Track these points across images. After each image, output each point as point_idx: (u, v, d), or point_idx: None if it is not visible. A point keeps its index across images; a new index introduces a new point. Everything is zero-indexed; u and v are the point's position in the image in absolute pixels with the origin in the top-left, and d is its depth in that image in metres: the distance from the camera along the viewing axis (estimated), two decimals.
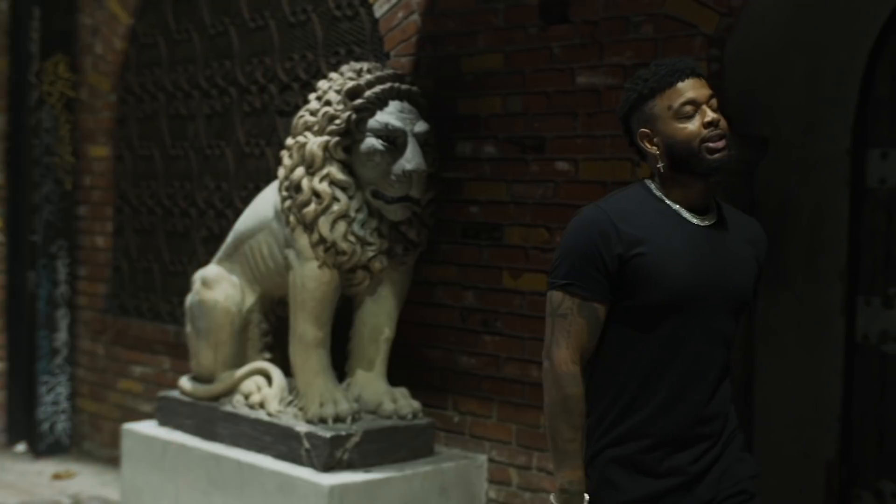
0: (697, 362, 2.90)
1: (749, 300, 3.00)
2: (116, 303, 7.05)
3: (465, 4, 5.13)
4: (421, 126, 4.86)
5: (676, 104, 2.90)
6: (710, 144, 2.89)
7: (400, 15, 5.34)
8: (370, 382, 5.15)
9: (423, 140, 4.86)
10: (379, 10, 5.42)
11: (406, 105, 4.88)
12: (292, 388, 5.20)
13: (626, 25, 4.61)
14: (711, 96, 2.93)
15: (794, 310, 4.84)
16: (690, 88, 2.91)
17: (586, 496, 2.88)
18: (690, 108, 2.90)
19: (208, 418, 5.38)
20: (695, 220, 2.94)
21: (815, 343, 4.81)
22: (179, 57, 6.59)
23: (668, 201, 2.94)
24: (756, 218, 4.46)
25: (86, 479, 6.72)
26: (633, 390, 2.89)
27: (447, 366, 5.26)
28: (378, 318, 5.13)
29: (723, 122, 2.91)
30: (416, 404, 5.11)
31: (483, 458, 5.13)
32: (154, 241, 6.77)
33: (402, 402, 5.09)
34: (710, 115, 2.90)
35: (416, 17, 5.29)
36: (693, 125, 2.90)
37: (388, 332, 5.14)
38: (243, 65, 6.17)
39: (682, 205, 2.94)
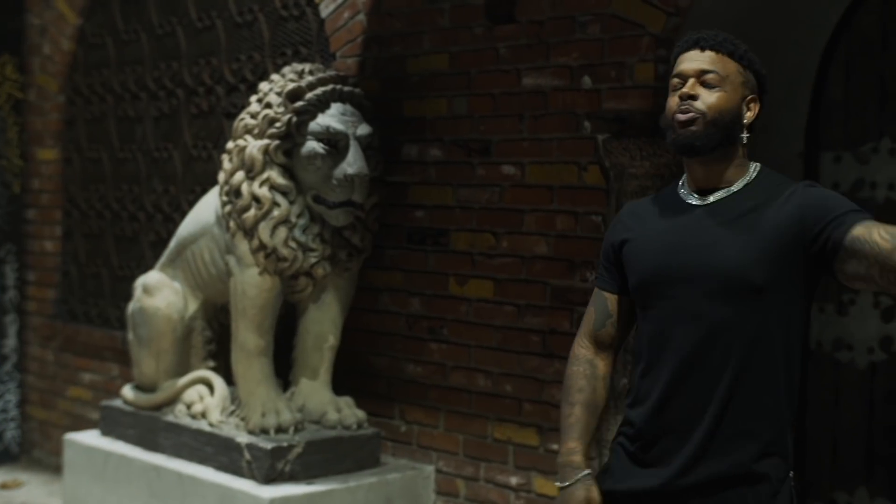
0: (691, 350, 2.72)
1: (750, 276, 2.66)
2: (65, 308, 6.91)
3: (410, 4, 5.01)
4: (363, 129, 4.74)
5: (671, 74, 2.82)
6: (678, 115, 2.75)
7: (346, 15, 5.22)
8: (314, 391, 5.03)
9: (365, 143, 4.74)
10: (325, 11, 5.30)
11: (348, 107, 4.76)
12: (235, 398, 5.07)
13: (572, 25, 4.50)
14: (704, 72, 2.75)
15: None
16: (685, 61, 2.79)
17: (586, 470, 2.81)
18: (677, 80, 2.79)
19: (150, 428, 5.26)
20: (693, 202, 2.80)
21: None
22: (127, 58, 6.46)
23: (681, 184, 2.87)
24: None
25: (33, 488, 6.57)
26: (638, 377, 2.83)
27: (393, 374, 5.14)
28: (322, 325, 5.01)
29: (706, 99, 2.73)
30: (361, 414, 4.99)
31: (430, 468, 5.01)
32: (103, 246, 6.63)
33: (346, 412, 4.97)
34: (688, 88, 2.75)
35: (361, 17, 5.17)
36: (672, 99, 2.78)
37: (332, 339, 5.02)
38: (190, 66, 6.04)
39: (691, 186, 2.83)
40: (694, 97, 2.73)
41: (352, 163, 4.63)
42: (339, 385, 5.14)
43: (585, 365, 2.91)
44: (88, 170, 6.74)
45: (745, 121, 2.79)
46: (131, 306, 5.37)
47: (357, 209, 4.79)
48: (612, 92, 4.37)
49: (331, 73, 4.83)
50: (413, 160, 5.04)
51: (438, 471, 4.99)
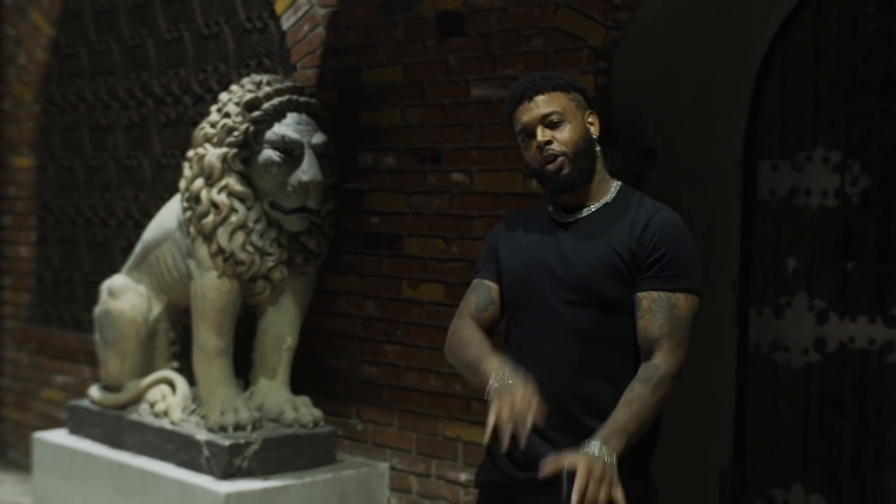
0: (547, 353, 2.98)
1: (597, 288, 2.96)
2: (40, 312, 7.08)
3: (366, 17, 5.18)
4: (318, 138, 4.91)
5: (516, 131, 3.07)
6: (547, 167, 3.00)
7: (306, 28, 5.40)
8: (273, 391, 5.19)
9: (320, 151, 4.90)
10: (286, 23, 5.48)
11: (304, 117, 4.93)
12: (196, 397, 5.23)
13: (517, 38, 4.67)
14: (545, 116, 2.99)
15: None
16: (523, 114, 3.04)
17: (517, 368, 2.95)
18: (524, 135, 3.05)
19: (115, 427, 5.42)
20: (562, 219, 3.07)
21: (709, 352, 4.87)
22: (100, 68, 6.64)
23: (551, 204, 3.14)
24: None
25: (7, 487, 6.73)
26: None
27: (350, 375, 5.30)
28: (280, 327, 5.17)
29: (560, 138, 2.97)
30: (317, 413, 5.16)
31: (385, 465, 5.17)
32: (76, 251, 6.81)
33: (303, 411, 5.13)
34: (540, 136, 2.99)
35: (321, 29, 5.35)
36: (530, 151, 3.04)
37: (290, 340, 5.19)
38: (160, 76, 6.22)
39: (559, 204, 3.11)
40: (549, 142, 2.98)
41: (306, 170, 4.80)
42: (299, 385, 5.31)
43: (475, 329, 3.12)
44: (62, 177, 6.92)
45: (594, 136, 3.07)
46: (97, 309, 5.54)
47: (312, 215, 4.96)
48: None
49: (287, 83, 5.01)
50: (369, 168, 5.21)
51: (392, 468, 5.16)
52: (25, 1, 7.07)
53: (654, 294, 2.92)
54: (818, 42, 4.60)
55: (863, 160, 4.47)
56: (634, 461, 2.95)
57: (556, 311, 2.98)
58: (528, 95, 3.01)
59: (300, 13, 5.41)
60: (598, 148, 3.08)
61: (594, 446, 2.76)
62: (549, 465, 2.74)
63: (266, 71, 5.55)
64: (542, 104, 3.00)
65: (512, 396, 2.80)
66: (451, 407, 4.91)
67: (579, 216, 3.07)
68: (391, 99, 5.11)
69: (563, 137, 2.99)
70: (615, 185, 3.12)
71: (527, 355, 3.02)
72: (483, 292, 3.17)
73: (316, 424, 5.14)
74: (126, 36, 6.45)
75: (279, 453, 4.99)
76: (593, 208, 3.07)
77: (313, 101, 5.01)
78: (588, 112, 3.08)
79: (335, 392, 5.35)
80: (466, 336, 3.12)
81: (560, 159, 2.99)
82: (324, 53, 5.35)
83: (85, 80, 6.73)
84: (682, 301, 2.95)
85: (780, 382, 4.74)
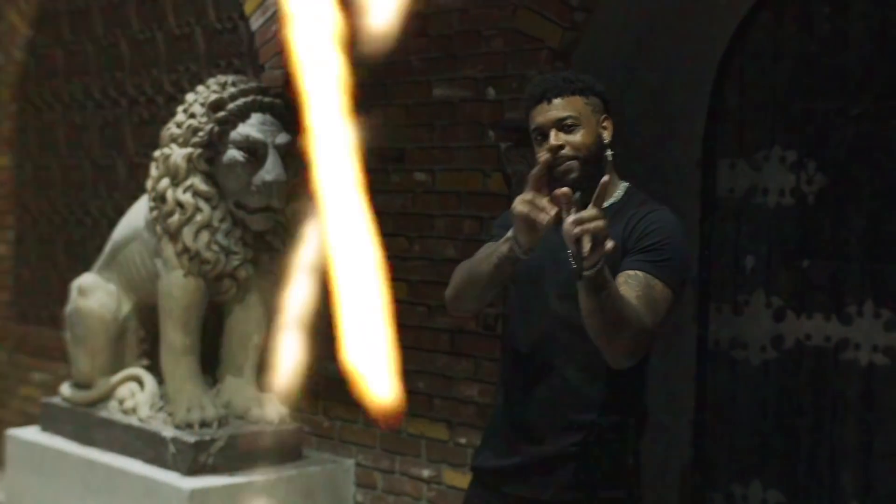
0: (540, 343, 3.03)
1: None
2: (17, 310, 7.14)
3: None
4: (282, 138, 4.96)
5: (531, 129, 3.06)
6: (559, 169, 2.99)
7: (273, 28, 5.45)
8: (240, 388, 5.24)
9: (284, 151, 4.95)
10: (255, 24, 5.53)
11: (268, 117, 4.97)
12: (164, 394, 5.28)
13: (478, 39, 4.72)
14: (560, 120, 2.99)
15: None
16: (539, 114, 3.02)
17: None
18: (537, 134, 3.04)
19: (85, 424, 5.47)
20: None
21: (670, 349, 4.91)
22: (75, 68, 6.70)
23: None
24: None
25: None
26: (506, 364, 3.19)
27: (317, 372, 5.34)
28: (247, 325, 5.22)
29: (572, 142, 2.97)
30: (283, 410, 5.20)
31: (351, 462, 5.23)
32: (53, 250, 6.87)
33: (269, 408, 5.18)
34: (553, 140, 2.98)
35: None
36: (543, 150, 3.01)
37: (256, 338, 5.23)
38: (133, 76, 6.27)
39: None
40: (562, 147, 2.97)
41: (269, 170, 4.85)
42: (268, 382, 5.36)
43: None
44: (39, 176, 6.97)
45: (605, 141, 3.04)
46: (67, 307, 5.59)
47: (277, 214, 5.01)
48: (514, 103, 4.59)
49: (252, 84, 5.05)
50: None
51: (358, 464, 5.21)
52: (3, 1, 7.13)
53: (633, 272, 2.86)
54: (775, 42, 4.65)
55: (818, 159, 4.52)
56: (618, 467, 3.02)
57: (552, 306, 3.01)
58: (546, 98, 3.02)
59: (268, 14, 5.46)
60: (609, 152, 3.06)
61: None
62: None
63: (236, 71, 5.60)
64: (559, 108, 3.00)
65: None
66: (414, 404, 4.96)
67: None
68: (356, 99, 5.15)
69: (575, 142, 2.99)
70: (623, 187, 3.12)
71: (521, 350, 3.08)
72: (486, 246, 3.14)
73: (282, 421, 5.19)
74: (100, 36, 6.51)
75: (245, 450, 5.04)
76: (616, 203, 3.05)
77: (278, 101, 5.06)
78: (603, 116, 3.06)
79: (303, 389, 5.40)
80: (479, 253, 3.10)
81: (569, 163, 3.01)
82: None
83: (61, 79, 6.79)
84: (660, 287, 2.87)
85: (739, 379, 4.79)
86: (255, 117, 4.94)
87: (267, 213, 4.94)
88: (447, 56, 4.82)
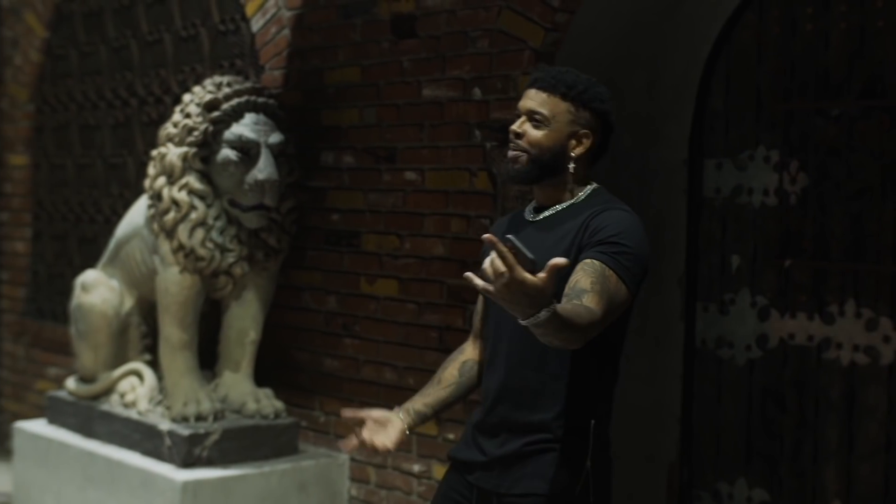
0: (500, 348, 3.12)
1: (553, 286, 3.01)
2: (34, 306, 7.28)
3: (327, 19, 5.32)
4: (275, 137, 5.05)
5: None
6: (509, 154, 3.11)
7: (273, 30, 5.54)
8: (236, 383, 5.34)
9: (277, 151, 5.04)
10: (255, 25, 5.63)
11: (262, 117, 5.07)
12: (163, 388, 5.39)
13: (465, 40, 4.78)
14: (533, 112, 3.06)
15: (637, 315, 4.97)
16: (524, 97, 3.12)
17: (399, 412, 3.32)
18: (517, 114, 3.13)
19: (88, 417, 5.59)
20: (530, 217, 3.18)
21: (657, 348, 4.97)
22: (88, 69, 6.83)
23: (532, 200, 3.23)
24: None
25: (0, 477, 6.93)
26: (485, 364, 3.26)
27: (314, 367, 5.44)
28: (244, 321, 5.32)
29: (531, 137, 3.06)
30: (278, 404, 5.29)
31: (345, 456, 5.31)
32: (67, 247, 7.01)
33: (264, 402, 5.28)
34: (516, 126, 3.09)
35: (286, 31, 5.49)
36: (511, 130, 3.12)
37: (253, 334, 5.33)
38: (142, 77, 6.39)
39: (535, 203, 3.20)
40: (520, 135, 3.07)
41: (262, 169, 4.95)
42: (266, 377, 5.46)
43: (457, 352, 3.39)
44: (55, 175, 7.12)
45: (571, 153, 3.09)
46: (71, 303, 5.72)
47: (271, 212, 5.10)
48: (499, 103, 4.65)
49: (247, 85, 5.15)
50: (330, 166, 5.35)
51: (352, 459, 5.29)
52: (21, 3, 7.29)
53: (590, 261, 2.89)
54: (759, 43, 4.68)
55: (801, 159, 4.55)
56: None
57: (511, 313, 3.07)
58: (536, 85, 3.09)
59: (268, 16, 5.56)
60: (571, 165, 3.10)
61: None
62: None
63: (238, 72, 5.70)
64: (539, 101, 3.07)
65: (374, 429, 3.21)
66: (406, 400, 5.00)
67: (545, 215, 3.15)
68: (350, 99, 5.24)
69: (532, 138, 3.06)
70: (588, 189, 3.16)
71: (492, 352, 3.18)
72: (479, 302, 3.38)
73: (277, 416, 5.28)
74: (112, 38, 6.63)
75: (240, 443, 5.13)
76: (559, 207, 3.13)
77: (272, 101, 5.15)
78: (584, 131, 3.09)
79: (300, 384, 5.49)
80: (444, 364, 3.41)
81: (518, 153, 3.08)
82: (289, 55, 5.49)
83: (75, 80, 6.93)
84: (614, 279, 2.87)
85: (725, 378, 4.82)
86: (249, 117, 5.04)
87: (260, 211, 5.04)
88: (436, 57, 4.89)
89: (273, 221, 5.17)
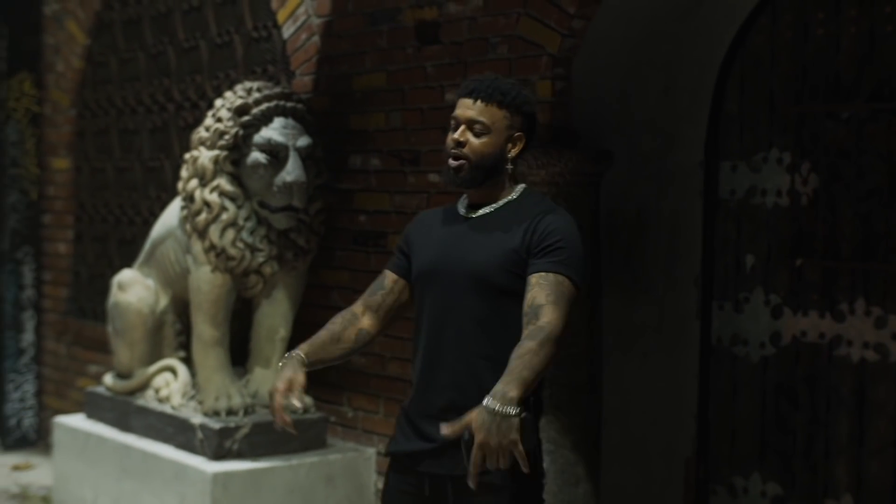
0: (441, 334, 3.28)
1: (493, 279, 3.23)
2: (76, 306, 7.50)
3: (355, 26, 5.48)
4: (303, 141, 5.22)
5: (452, 115, 3.35)
6: (450, 161, 3.32)
7: (304, 36, 5.71)
8: (267, 379, 5.51)
9: (305, 154, 5.21)
10: (286, 32, 5.80)
11: (290, 121, 5.24)
12: (195, 384, 5.57)
13: (486, 46, 4.93)
14: (473, 121, 3.28)
15: (654, 314, 5.12)
16: (460, 107, 3.32)
17: (297, 352, 3.34)
18: (453, 121, 3.33)
19: (124, 411, 5.79)
20: (464, 213, 3.40)
21: (674, 345, 5.08)
22: (128, 75, 7.04)
23: (463, 198, 3.45)
24: (610, 226, 4.82)
25: (42, 470, 7.15)
26: (413, 352, 3.41)
27: (342, 364, 5.57)
28: (274, 319, 5.49)
29: (473, 145, 3.27)
30: (308, 399, 5.45)
31: (372, 451, 5.46)
32: (107, 248, 7.22)
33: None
34: (458, 135, 3.29)
35: (316, 38, 5.66)
36: (450, 136, 3.32)
37: (283, 331, 5.50)
38: (179, 83, 6.59)
39: (468, 201, 3.42)
40: (462, 144, 3.29)
41: (290, 171, 5.12)
42: None
43: (349, 314, 3.47)
44: (96, 178, 7.34)
45: (509, 155, 3.34)
46: (109, 301, 5.92)
47: (299, 213, 5.27)
48: None
49: (276, 90, 5.32)
50: (357, 169, 5.51)
51: (379, 453, 5.44)
52: (63, 12, 7.52)
53: (543, 273, 3.16)
54: (773, 47, 4.79)
55: (812, 161, 4.65)
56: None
57: (457, 299, 3.27)
58: (473, 96, 3.29)
59: (298, 23, 5.73)
60: (509, 166, 3.35)
61: (489, 402, 2.86)
62: (448, 428, 2.96)
63: (270, 77, 5.88)
64: (476, 111, 3.28)
65: (280, 376, 3.26)
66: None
67: (482, 213, 3.35)
68: (377, 103, 5.40)
69: (475, 146, 3.28)
70: (519, 188, 3.40)
71: (428, 341, 3.32)
72: (380, 280, 3.49)
73: (306, 411, 5.43)
74: (150, 45, 6.84)
75: (269, 437, 5.30)
76: (496, 206, 3.35)
77: (300, 106, 5.32)
78: (518, 134, 3.33)
79: (329, 380, 5.65)
80: (336, 317, 3.48)
81: (462, 162, 3.29)
82: (319, 61, 5.66)
83: (115, 86, 7.14)
84: (567, 284, 3.15)
85: (740, 375, 4.93)
86: (278, 121, 5.21)
87: (289, 212, 5.21)
88: (458, 62, 5.04)
89: (302, 222, 5.34)
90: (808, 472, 4.70)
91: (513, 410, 2.85)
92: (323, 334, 3.40)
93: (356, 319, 3.45)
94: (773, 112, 4.80)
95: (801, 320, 4.72)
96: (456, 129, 3.31)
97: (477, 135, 3.28)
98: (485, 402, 2.88)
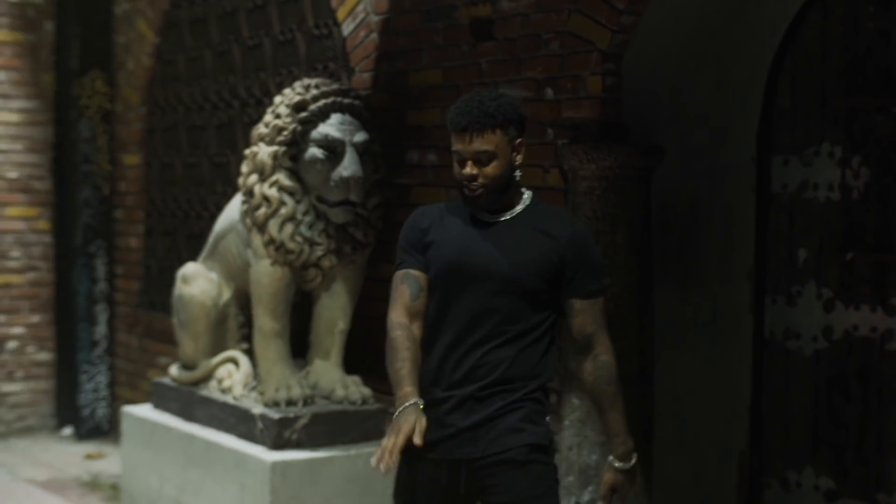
0: (466, 329, 3.42)
1: (524, 283, 3.41)
2: (147, 299, 7.68)
3: (412, 24, 5.57)
4: (360, 136, 5.31)
5: (452, 146, 3.48)
6: (465, 191, 3.46)
7: (362, 34, 5.81)
8: (326, 370, 5.62)
9: (362, 149, 5.30)
10: (346, 29, 5.90)
11: (347, 117, 5.33)
12: (257, 375, 5.70)
13: (538, 42, 4.98)
14: (478, 153, 3.40)
15: (708, 308, 5.15)
16: (458, 141, 3.45)
17: (415, 399, 3.34)
18: (457, 156, 3.47)
19: (189, 402, 5.93)
20: (486, 219, 3.50)
21: (727, 339, 5.11)
22: (195, 73, 7.20)
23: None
24: (663, 220, 4.86)
25: (114, 459, 7.33)
26: (428, 345, 3.52)
27: None
28: (333, 311, 5.59)
29: (486, 172, 3.40)
30: (366, 391, 5.55)
31: None
32: (176, 242, 7.39)
33: (352, 389, 5.54)
34: (469, 170, 3.42)
35: (374, 35, 5.75)
36: (458, 170, 3.48)
37: (342, 324, 5.60)
38: (244, 80, 6.72)
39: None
40: (475, 177, 3.42)
41: (347, 167, 5.22)
42: (356, 365, 5.71)
43: (406, 330, 3.49)
44: (165, 174, 7.51)
45: (516, 163, 3.49)
46: (173, 294, 6.06)
47: (357, 207, 5.36)
48: (569, 102, 4.85)
49: (334, 87, 5.42)
50: (415, 164, 5.60)
51: None
52: (133, 12, 7.70)
53: (586, 302, 3.47)
54: (824, 42, 4.80)
55: (863, 154, 4.66)
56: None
57: (486, 297, 3.41)
58: (468, 131, 3.40)
59: (357, 20, 5.83)
60: (518, 172, 3.51)
61: (624, 465, 3.56)
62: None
63: (331, 74, 5.98)
64: (477, 144, 3.40)
65: (401, 427, 3.27)
66: None
67: (502, 218, 3.50)
68: (433, 100, 5.48)
69: (487, 173, 3.42)
70: (527, 194, 3.57)
71: (452, 335, 3.45)
72: (413, 282, 3.53)
73: (364, 402, 5.54)
74: (216, 43, 6.98)
75: (328, 427, 5.40)
76: (515, 211, 3.52)
77: (357, 102, 5.41)
78: (518, 141, 3.47)
79: (387, 372, 5.72)
80: (398, 341, 3.47)
81: (479, 191, 3.44)
82: (377, 58, 5.75)
83: (183, 83, 7.30)
84: (602, 300, 3.54)
85: (793, 368, 4.95)
86: (335, 117, 5.31)
87: (346, 206, 5.30)
88: (511, 59, 5.10)
89: (359, 216, 5.43)
90: (861, 466, 4.71)
91: (635, 458, 3.57)
92: (409, 367, 3.42)
93: (412, 334, 3.50)
94: (824, 106, 4.81)
95: (853, 314, 4.72)
96: (463, 164, 3.44)
97: (486, 163, 3.41)
98: (618, 465, 3.54)
